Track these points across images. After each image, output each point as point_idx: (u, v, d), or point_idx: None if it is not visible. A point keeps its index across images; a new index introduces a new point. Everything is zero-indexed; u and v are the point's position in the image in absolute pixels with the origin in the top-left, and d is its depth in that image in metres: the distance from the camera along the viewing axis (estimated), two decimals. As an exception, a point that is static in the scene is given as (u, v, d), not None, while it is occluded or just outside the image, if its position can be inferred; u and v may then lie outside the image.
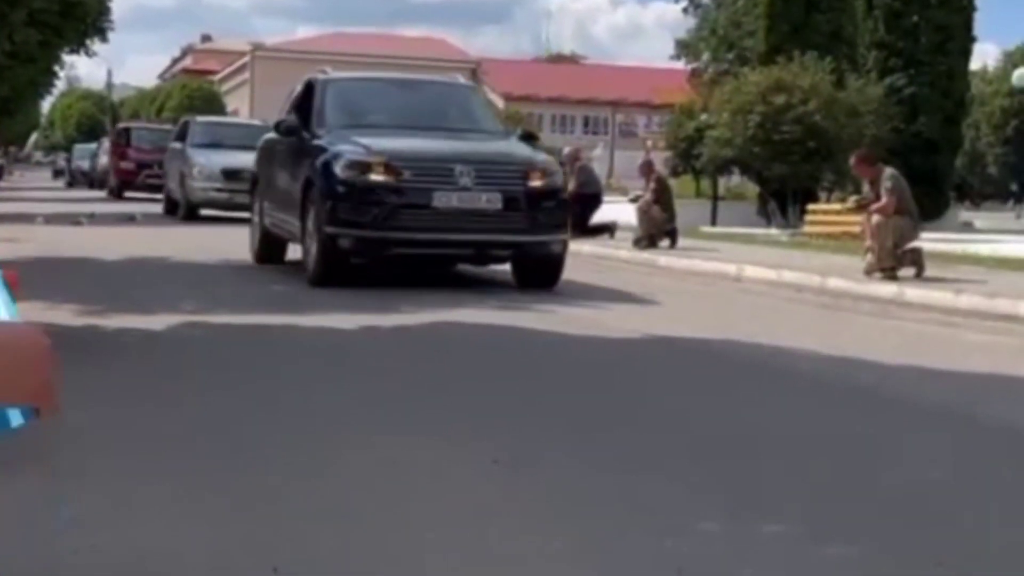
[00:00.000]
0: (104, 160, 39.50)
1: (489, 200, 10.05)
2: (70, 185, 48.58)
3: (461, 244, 10.27)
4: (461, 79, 13.99)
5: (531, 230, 10.26)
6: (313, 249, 10.22)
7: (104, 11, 24.97)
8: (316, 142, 10.73)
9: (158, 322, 7.49)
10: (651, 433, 4.91)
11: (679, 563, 3.17)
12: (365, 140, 10.44)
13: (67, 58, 27.93)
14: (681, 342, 7.70)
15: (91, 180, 43.72)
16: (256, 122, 25.63)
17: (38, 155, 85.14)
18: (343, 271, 10.12)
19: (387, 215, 9.88)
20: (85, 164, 47.52)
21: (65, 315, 7.62)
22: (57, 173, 62.83)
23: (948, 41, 28.61)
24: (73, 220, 18.38)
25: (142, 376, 5.78)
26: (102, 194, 35.23)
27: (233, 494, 3.72)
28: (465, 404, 5.37)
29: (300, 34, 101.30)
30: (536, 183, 10.36)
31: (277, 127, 11.77)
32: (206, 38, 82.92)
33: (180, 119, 28.32)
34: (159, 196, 28.12)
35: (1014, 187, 56.37)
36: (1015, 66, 42.26)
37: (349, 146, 10.32)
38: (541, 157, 11.07)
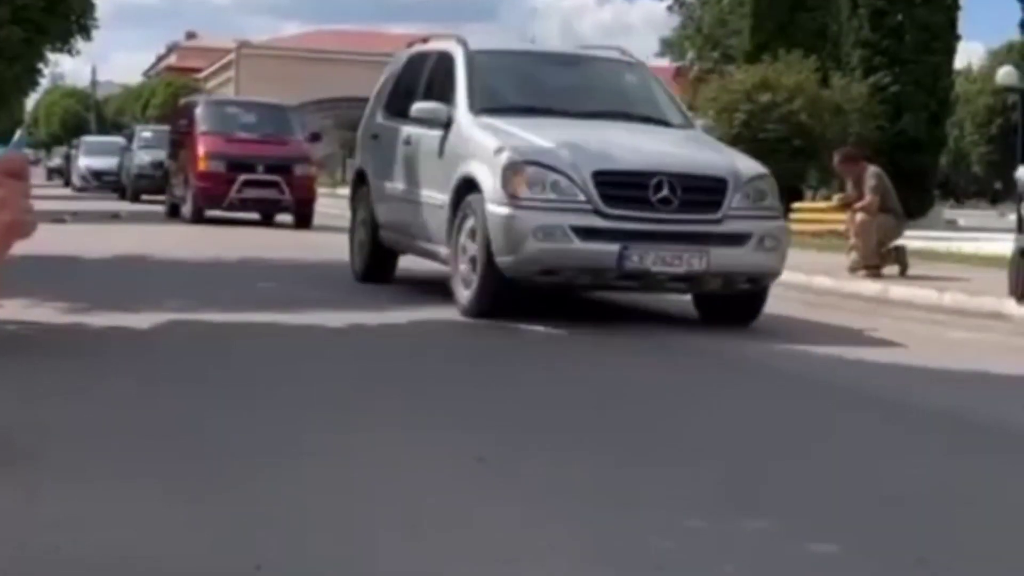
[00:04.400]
0: (150, 158, 27.86)
1: None
2: (72, 186, 37.14)
3: None
4: None
5: None
6: None
7: (88, 8, 24.89)
8: None
9: (143, 320, 7.47)
10: (634, 431, 4.91)
11: (662, 559, 3.18)
12: None
13: (51, 55, 27.82)
14: (663, 342, 7.70)
15: (117, 186, 32.12)
16: (624, 56, 10.14)
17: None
18: None
19: None
20: (105, 163, 34.80)
21: (50, 312, 7.60)
22: (53, 173, 52.36)
23: (933, 40, 28.73)
24: (56, 217, 18.29)
25: (126, 374, 5.76)
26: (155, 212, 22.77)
27: (216, 492, 3.72)
28: (449, 402, 5.38)
29: (285, 31, 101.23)
30: None
31: None
32: (191, 35, 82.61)
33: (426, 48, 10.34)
34: (249, 216, 19.93)
35: (998, 185, 56.56)
36: (1000, 65, 42.41)
37: None
38: None
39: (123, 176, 30.91)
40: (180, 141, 21.43)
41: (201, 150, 19.44)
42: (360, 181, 10.67)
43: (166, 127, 30.44)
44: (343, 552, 3.17)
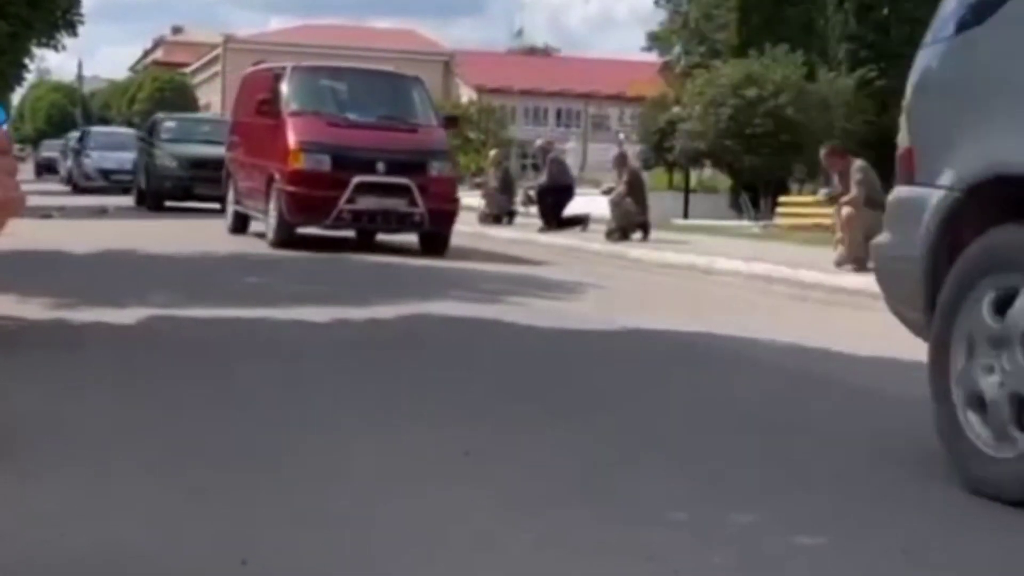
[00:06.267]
0: (176, 154, 22.39)
1: None
2: (74, 186, 32.03)
3: None
4: None
5: None
6: None
7: (74, 3, 24.84)
8: None
9: (129, 315, 7.46)
10: (621, 424, 4.93)
11: (650, 551, 3.19)
12: None
13: (37, 50, 27.71)
14: (652, 334, 7.72)
15: (130, 187, 26.25)
16: None
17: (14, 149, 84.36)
18: None
19: None
20: (116, 159, 29.42)
21: (35, 308, 7.58)
22: (43, 169, 46.51)
23: (919, 34, 28.76)
24: (43, 213, 18.26)
25: (111, 370, 5.76)
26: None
27: (202, 487, 3.71)
28: (435, 397, 5.38)
29: (272, 25, 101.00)
30: None
31: None
32: (177, 30, 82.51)
33: None
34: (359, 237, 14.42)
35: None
36: (985, 59, 42.52)
37: None
38: None
39: (141, 176, 24.40)
40: (251, 126, 15.10)
41: (292, 139, 13.39)
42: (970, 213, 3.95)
43: (194, 115, 27.27)
44: (330, 547, 3.17)
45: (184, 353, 6.35)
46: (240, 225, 15.71)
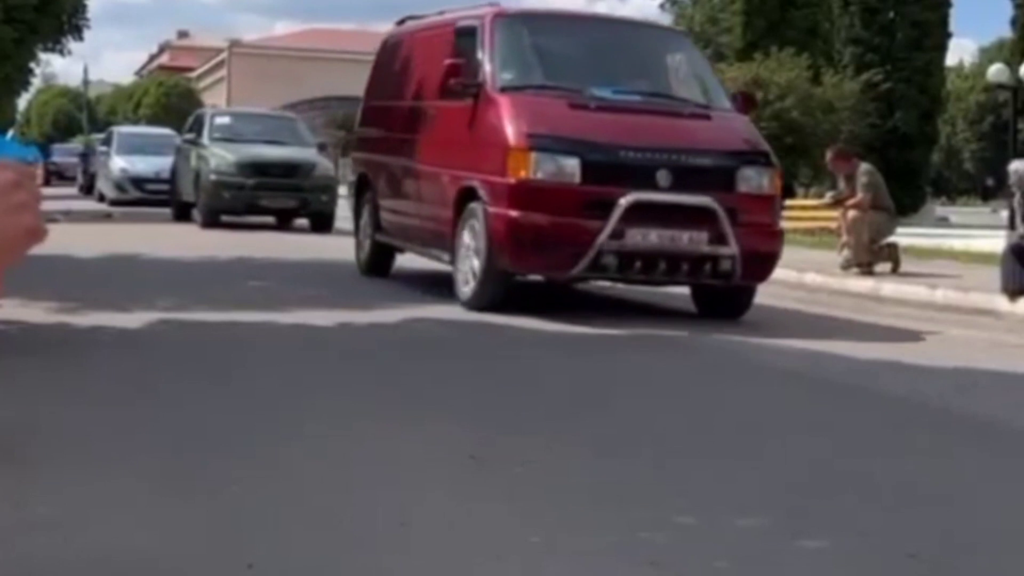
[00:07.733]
0: (234, 158, 17.52)
1: None
2: (102, 198, 25.72)
3: None
4: None
5: None
6: None
7: (80, 7, 24.87)
8: None
9: (133, 320, 7.46)
10: (625, 428, 4.91)
11: (653, 556, 3.18)
12: None
13: (43, 55, 27.72)
14: (656, 337, 7.71)
15: (168, 198, 20.88)
16: None
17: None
18: None
19: None
20: (149, 165, 23.83)
21: (38, 312, 7.57)
22: (52, 176, 37.62)
23: (924, 37, 28.83)
24: (49, 217, 18.25)
25: (115, 374, 5.75)
26: None
27: (207, 491, 3.71)
28: (441, 400, 5.37)
29: (278, 30, 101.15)
30: None
31: None
32: (183, 34, 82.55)
33: None
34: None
35: (990, 182, 56.72)
36: (991, 62, 42.48)
37: None
38: None
39: (184, 185, 19.36)
40: (412, 113, 10.18)
41: (512, 131, 8.35)
42: None
43: (250, 110, 21.49)
44: (336, 550, 3.17)
45: (189, 358, 6.34)
46: (381, 262, 10.87)
